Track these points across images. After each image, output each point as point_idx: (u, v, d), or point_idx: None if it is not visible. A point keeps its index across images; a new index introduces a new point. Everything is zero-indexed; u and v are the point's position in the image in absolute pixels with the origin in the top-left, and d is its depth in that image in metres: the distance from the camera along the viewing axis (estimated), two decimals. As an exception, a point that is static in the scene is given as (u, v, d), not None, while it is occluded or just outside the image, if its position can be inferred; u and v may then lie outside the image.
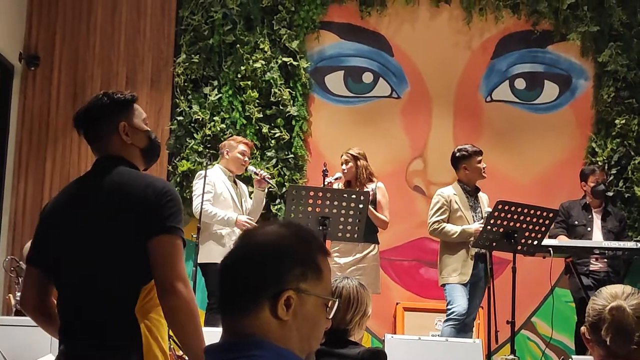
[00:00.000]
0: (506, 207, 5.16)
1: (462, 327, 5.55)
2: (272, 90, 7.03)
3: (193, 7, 7.13)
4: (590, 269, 6.14)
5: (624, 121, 7.06)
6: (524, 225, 5.19)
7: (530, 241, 5.27)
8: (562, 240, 5.92)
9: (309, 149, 7.16)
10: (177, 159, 6.98)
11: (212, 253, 5.66)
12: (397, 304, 6.91)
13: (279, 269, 1.51)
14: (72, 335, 2.47)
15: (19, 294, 4.13)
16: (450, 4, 7.34)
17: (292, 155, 7.01)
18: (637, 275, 6.78)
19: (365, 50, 7.32)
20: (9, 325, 4.33)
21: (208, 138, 6.94)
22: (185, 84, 7.07)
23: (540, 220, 5.21)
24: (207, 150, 6.85)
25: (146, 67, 7.17)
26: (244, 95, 7.02)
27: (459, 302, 5.53)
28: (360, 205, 5.18)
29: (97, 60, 7.15)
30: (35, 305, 2.59)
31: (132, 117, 2.63)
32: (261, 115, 7.02)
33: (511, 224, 5.16)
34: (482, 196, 5.87)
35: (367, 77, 7.31)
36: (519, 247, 5.24)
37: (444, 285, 5.67)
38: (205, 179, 5.68)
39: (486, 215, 5.43)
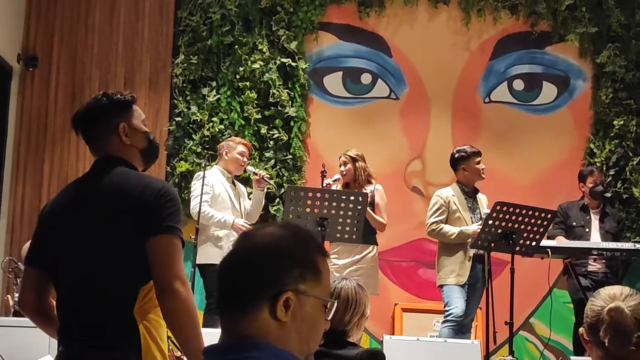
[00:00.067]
0: (504, 208, 5.16)
1: (460, 328, 5.56)
2: (271, 91, 7.03)
3: (191, 8, 7.13)
4: (589, 269, 6.15)
5: (622, 122, 7.07)
6: (522, 226, 5.19)
7: (528, 242, 5.27)
8: (561, 241, 5.92)
9: (307, 149, 7.16)
10: (176, 160, 6.98)
11: (211, 254, 5.66)
12: (395, 304, 6.91)
13: (278, 270, 1.52)
14: (70, 336, 2.47)
15: (17, 294, 4.13)
16: (449, 5, 7.35)
17: (290, 156, 7.01)
18: (635, 276, 6.79)
19: (364, 51, 7.32)
20: (8, 326, 4.32)
21: (206, 139, 6.94)
22: (184, 84, 7.07)
23: (539, 221, 5.21)
24: (206, 151, 6.84)
25: (144, 68, 7.17)
26: (242, 96, 7.02)
27: (456, 303, 5.53)
28: (359, 207, 5.18)
29: (96, 61, 7.15)
30: (33, 306, 2.59)
31: (132, 118, 2.63)
32: (259, 116, 7.01)
33: (509, 224, 5.16)
34: (481, 197, 5.87)
35: (366, 78, 7.31)
36: (517, 248, 5.24)
37: (441, 286, 5.68)
38: (203, 180, 5.68)
39: (485, 216, 5.43)
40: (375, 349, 3.15)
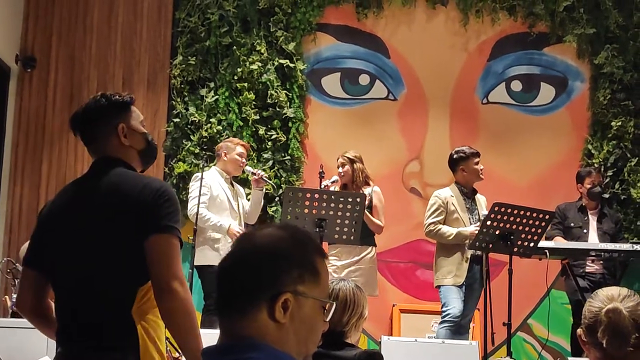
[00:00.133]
0: (502, 209, 5.16)
1: (458, 328, 5.56)
2: (269, 92, 7.03)
3: (189, 9, 7.13)
4: (587, 270, 6.15)
5: (620, 123, 7.08)
6: (520, 227, 5.19)
7: (526, 243, 5.27)
8: (559, 242, 5.92)
9: (305, 150, 7.16)
10: (174, 161, 6.98)
11: (209, 256, 5.65)
12: (393, 305, 6.90)
13: (276, 271, 1.52)
14: (69, 337, 2.47)
15: (15, 295, 4.13)
16: (447, 6, 7.35)
17: (288, 157, 7.01)
18: (633, 277, 6.80)
19: (362, 52, 7.32)
20: (6, 327, 4.32)
21: (204, 140, 6.94)
22: (182, 85, 7.06)
23: (537, 222, 5.22)
24: (204, 152, 6.84)
25: (142, 68, 7.17)
26: (240, 97, 7.02)
27: (454, 304, 5.53)
28: (357, 208, 5.18)
29: (94, 62, 7.15)
30: (31, 307, 2.59)
31: (130, 119, 2.63)
32: (258, 117, 7.01)
33: (507, 225, 5.16)
34: (480, 198, 5.87)
35: (364, 79, 7.31)
36: (515, 249, 5.24)
37: (438, 287, 5.68)
38: (201, 181, 5.67)
39: (483, 217, 5.43)
40: (374, 350, 3.15)
